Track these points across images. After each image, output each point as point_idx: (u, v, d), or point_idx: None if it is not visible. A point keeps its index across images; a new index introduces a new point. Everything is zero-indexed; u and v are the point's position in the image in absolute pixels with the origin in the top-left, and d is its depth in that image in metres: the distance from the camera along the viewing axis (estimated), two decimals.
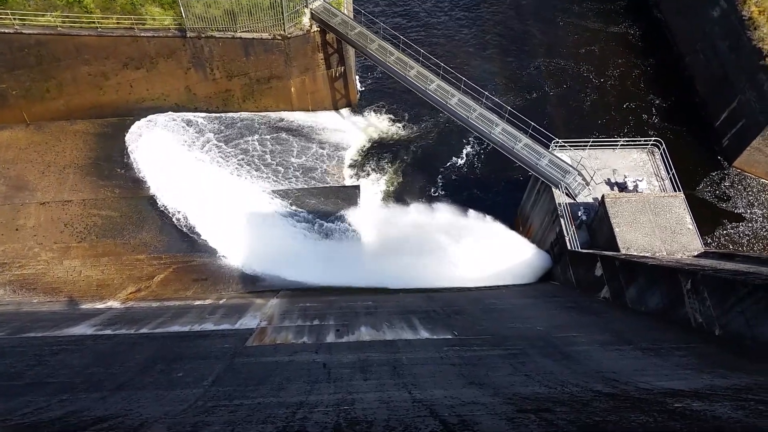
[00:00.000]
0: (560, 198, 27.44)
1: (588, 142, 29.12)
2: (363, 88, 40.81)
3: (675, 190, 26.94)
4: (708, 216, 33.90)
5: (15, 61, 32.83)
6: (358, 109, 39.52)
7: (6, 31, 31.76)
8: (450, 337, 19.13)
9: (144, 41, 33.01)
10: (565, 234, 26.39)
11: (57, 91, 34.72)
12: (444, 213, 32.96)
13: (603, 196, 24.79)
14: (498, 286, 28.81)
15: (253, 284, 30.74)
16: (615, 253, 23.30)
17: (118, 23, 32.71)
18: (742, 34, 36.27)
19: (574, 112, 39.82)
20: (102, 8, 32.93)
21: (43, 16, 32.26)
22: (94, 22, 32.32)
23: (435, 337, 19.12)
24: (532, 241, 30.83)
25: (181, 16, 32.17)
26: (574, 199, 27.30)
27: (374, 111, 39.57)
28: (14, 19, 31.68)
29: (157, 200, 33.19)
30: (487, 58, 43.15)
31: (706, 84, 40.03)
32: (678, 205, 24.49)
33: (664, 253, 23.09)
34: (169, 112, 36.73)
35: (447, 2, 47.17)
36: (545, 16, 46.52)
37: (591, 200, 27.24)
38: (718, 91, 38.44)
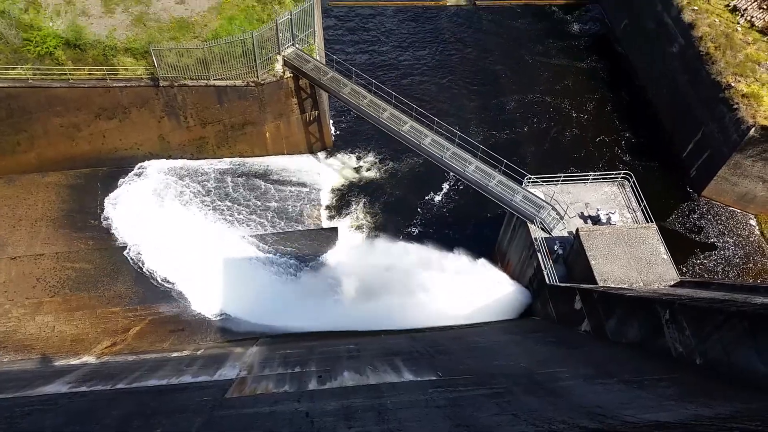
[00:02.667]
0: (536, 233, 27.74)
1: (560, 177, 29.65)
2: (338, 131, 41.20)
3: (647, 222, 27.43)
4: (682, 246, 34.50)
5: None
6: (333, 151, 39.81)
7: None
8: (434, 378, 18.92)
9: (116, 91, 33.04)
10: (543, 268, 26.58)
11: (28, 144, 34.38)
12: (423, 251, 33.02)
13: (577, 230, 25.12)
14: (480, 324, 28.74)
15: (232, 332, 30.20)
16: (593, 285, 23.49)
17: (90, 74, 32.73)
18: (700, 68, 37.68)
19: (544, 147, 40.63)
20: (74, 60, 32.97)
21: (13, 69, 32.17)
22: (65, 74, 32.32)
23: (419, 378, 18.90)
24: (512, 277, 30.98)
25: (154, 66, 32.36)
26: (550, 234, 27.61)
27: (349, 153, 39.90)
28: None
29: (132, 251, 32.72)
30: (458, 98, 44.03)
31: (671, 117, 41.28)
32: (651, 236, 24.89)
33: (641, 284, 23.35)
34: (144, 161, 36.56)
35: (413, 45, 48.28)
36: (510, 54, 47.85)
37: (566, 234, 27.57)
38: (682, 123, 39.65)
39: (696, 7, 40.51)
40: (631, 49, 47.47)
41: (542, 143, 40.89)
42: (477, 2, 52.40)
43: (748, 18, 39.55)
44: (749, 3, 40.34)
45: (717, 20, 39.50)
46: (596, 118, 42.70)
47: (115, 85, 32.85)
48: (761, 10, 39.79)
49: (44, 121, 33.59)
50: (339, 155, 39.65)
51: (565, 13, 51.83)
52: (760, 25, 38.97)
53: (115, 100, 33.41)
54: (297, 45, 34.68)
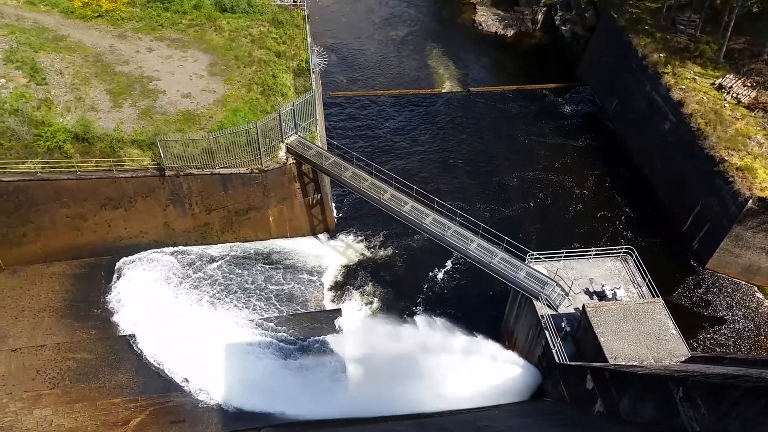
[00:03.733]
0: (542, 310, 27.46)
1: (562, 252, 29.71)
2: (340, 213, 41.72)
3: (653, 296, 27.22)
4: (690, 320, 34.04)
5: None
6: (336, 233, 40.13)
7: None
8: None
9: (123, 182, 33.76)
10: (552, 346, 26.12)
11: (34, 235, 34.74)
12: (428, 331, 32.55)
13: (584, 306, 24.90)
14: (490, 407, 27.89)
15: (234, 421, 29.29)
16: (603, 363, 23.01)
17: (97, 166, 33.55)
18: (693, 143, 38.61)
19: (545, 224, 40.96)
20: (82, 152, 33.90)
21: (23, 163, 33.03)
22: (73, 167, 33.13)
23: None
24: (520, 356, 30.36)
25: (160, 156, 33.25)
26: (556, 310, 27.34)
27: (352, 234, 40.20)
28: None
29: (134, 339, 32.32)
30: (457, 177, 44.87)
31: (668, 191, 41.86)
32: (658, 311, 24.64)
33: (652, 361, 22.88)
34: (148, 250, 36.79)
35: (411, 130, 49.73)
36: (506, 135, 49.19)
37: (573, 310, 27.30)
38: (680, 197, 40.16)
39: (684, 86, 42.03)
40: (623, 128, 48.82)
41: (543, 220, 41.27)
42: (471, 89, 54.45)
43: (734, 95, 40.94)
44: (734, 81, 41.91)
45: (705, 98, 40.88)
46: (596, 194, 43.29)
47: (121, 175, 33.61)
48: (746, 88, 41.27)
49: (51, 212, 34.12)
50: (342, 237, 39.93)
51: (556, 95, 53.71)
52: (746, 101, 40.29)
53: (121, 190, 34.08)
54: (299, 133, 35.78)
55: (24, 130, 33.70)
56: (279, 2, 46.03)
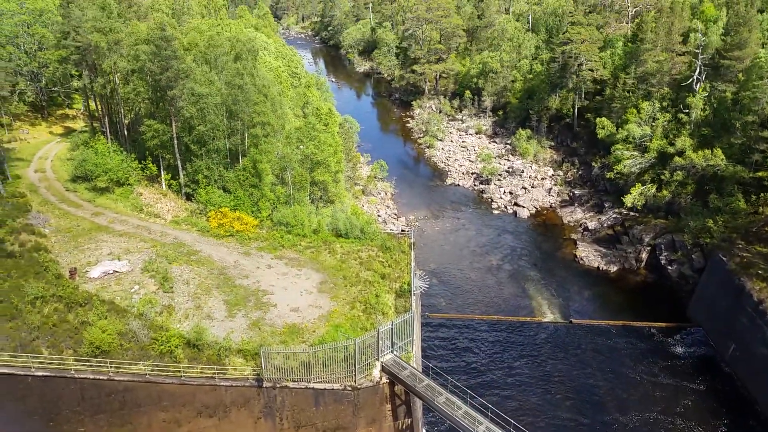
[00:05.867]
0: None
1: None
2: None
3: None
4: None
5: (100, 406, 34.64)
6: None
7: (101, 377, 34.42)
8: None
9: (222, 390, 34.61)
10: None
11: None
12: None
13: None
14: None
15: None
16: None
17: (201, 372, 34.95)
18: None
19: None
20: (190, 358, 35.72)
21: (135, 365, 35.13)
22: (179, 371, 34.71)
23: None
24: None
25: (261, 366, 34.25)
26: None
27: None
28: (110, 367, 34.60)
29: None
30: (562, 413, 41.87)
31: None
32: None
33: None
34: None
35: (509, 357, 48.32)
36: (612, 370, 46.35)
37: None
38: None
39: None
40: (745, 374, 44.76)
41: None
42: (573, 320, 53.36)
43: None
44: None
45: None
46: None
47: (221, 383, 34.60)
48: None
49: (150, 414, 35.07)
50: None
51: (665, 335, 51.12)
52: None
53: (219, 398, 34.78)
54: (395, 352, 35.95)
55: (143, 333, 36.49)
56: (388, 230, 49.87)
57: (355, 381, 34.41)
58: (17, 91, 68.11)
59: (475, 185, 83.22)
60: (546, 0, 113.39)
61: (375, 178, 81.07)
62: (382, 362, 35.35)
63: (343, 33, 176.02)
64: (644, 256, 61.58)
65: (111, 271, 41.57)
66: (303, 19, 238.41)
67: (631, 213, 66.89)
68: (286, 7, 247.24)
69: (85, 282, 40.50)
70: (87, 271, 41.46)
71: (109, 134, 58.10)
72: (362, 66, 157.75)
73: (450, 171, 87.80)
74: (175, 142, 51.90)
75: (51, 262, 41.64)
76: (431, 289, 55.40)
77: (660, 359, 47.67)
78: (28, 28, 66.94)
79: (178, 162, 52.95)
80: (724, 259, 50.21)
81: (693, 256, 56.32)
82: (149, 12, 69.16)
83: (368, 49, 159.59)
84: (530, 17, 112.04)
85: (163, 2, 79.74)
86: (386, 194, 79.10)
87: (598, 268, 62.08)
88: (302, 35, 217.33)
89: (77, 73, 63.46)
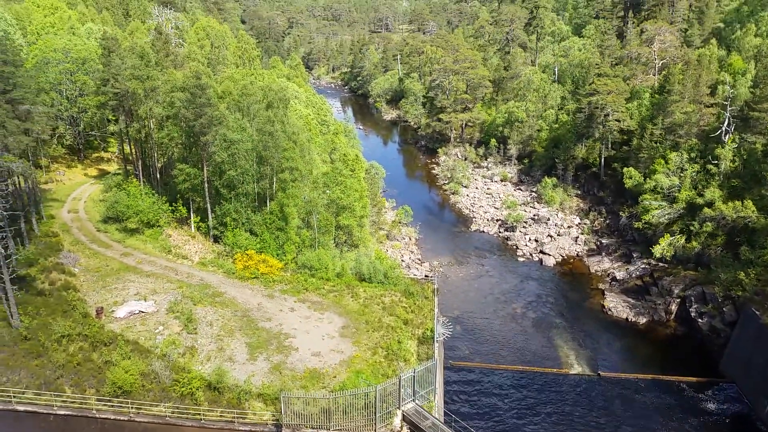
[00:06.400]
0: None
1: None
2: None
3: None
4: None
5: None
6: None
7: (121, 418, 34.45)
8: None
9: None
10: None
11: None
12: None
13: None
14: None
15: None
16: None
17: (221, 416, 34.74)
18: None
19: None
20: (210, 401, 35.58)
21: (156, 406, 35.10)
22: (199, 414, 34.55)
23: None
24: None
25: (281, 411, 33.91)
26: None
27: None
28: (131, 407, 34.62)
29: None
30: None
31: None
32: None
33: None
34: None
35: (533, 411, 46.95)
36: (642, 426, 44.64)
37: None
38: None
39: None
40: None
41: None
42: (601, 373, 51.90)
43: None
44: None
45: None
46: None
47: (241, 428, 34.29)
48: None
49: None
50: None
51: (697, 390, 49.32)
52: None
53: None
54: (417, 401, 35.30)
55: (166, 374, 36.60)
56: (412, 275, 49.74)
57: (375, 430, 33.79)
58: (57, 135, 70.86)
59: (500, 232, 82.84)
60: (572, 52, 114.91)
61: (399, 223, 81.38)
62: (403, 411, 34.72)
63: (372, 83, 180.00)
64: (674, 307, 60.07)
65: (137, 311, 42.10)
66: (333, 70, 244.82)
67: (660, 264, 65.66)
68: (317, 58, 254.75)
69: (111, 321, 41.04)
70: (113, 310, 42.07)
71: (141, 177, 59.77)
72: (389, 114, 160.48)
73: (475, 217, 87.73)
74: (206, 185, 53.12)
75: (79, 300, 42.41)
76: (455, 336, 54.67)
77: (691, 416, 45.87)
78: (71, 75, 70.07)
79: (208, 205, 54.04)
80: (757, 312, 48.72)
81: (724, 309, 54.76)
82: (186, 61, 72.03)
83: (396, 98, 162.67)
84: (556, 69, 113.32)
85: (199, 52, 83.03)
86: (410, 239, 79.18)
87: (626, 319, 60.64)
88: (332, 85, 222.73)
89: (114, 118, 65.97)
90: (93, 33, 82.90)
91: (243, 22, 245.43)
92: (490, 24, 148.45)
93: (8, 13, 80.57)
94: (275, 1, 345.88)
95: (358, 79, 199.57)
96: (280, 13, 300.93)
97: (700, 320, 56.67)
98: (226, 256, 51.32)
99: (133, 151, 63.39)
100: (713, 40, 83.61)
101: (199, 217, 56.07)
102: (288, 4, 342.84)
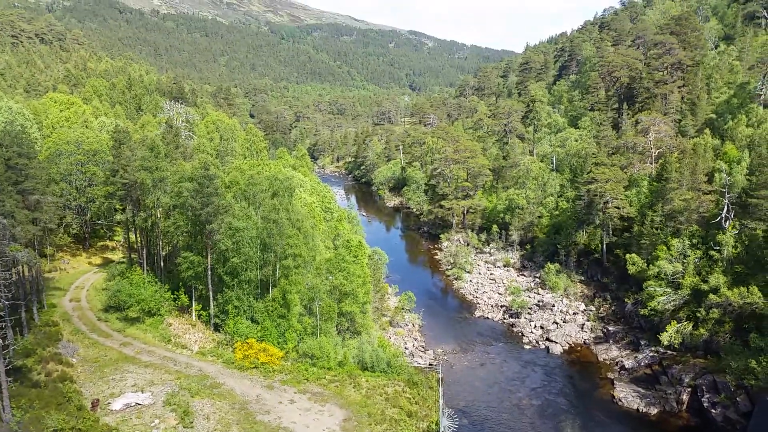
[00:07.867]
0: None
1: None
2: None
3: None
4: None
5: None
6: None
7: None
8: None
9: None
10: None
11: None
12: None
13: None
14: None
15: None
16: None
17: None
18: None
19: None
20: None
21: None
22: None
23: None
24: None
25: None
26: None
27: None
28: None
29: None
30: None
31: None
32: None
33: None
34: None
35: None
36: None
37: None
38: None
39: None
40: None
41: None
42: None
43: None
44: None
45: None
46: None
47: None
48: None
49: None
50: None
51: None
52: None
53: None
54: None
55: None
56: (416, 363, 48.71)
57: None
58: (64, 224, 71.88)
59: (504, 318, 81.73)
60: (569, 142, 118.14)
61: (402, 309, 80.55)
62: None
63: (375, 171, 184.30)
64: (685, 397, 58.13)
65: (133, 404, 41.03)
66: (338, 159, 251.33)
67: (669, 351, 64.22)
68: (322, 149, 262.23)
69: (106, 414, 39.89)
70: (109, 402, 41.01)
71: (145, 265, 60.04)
72: (392, 201, 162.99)
73: (479, 303, 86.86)
74: (209, 273, 53.25)
75: (74, 392, 41.42)
76: (461, 428, 52.71)
77: None
78: (81, 166, 72.07)
79: (210, 292, 53.91)
80: None
81: (738, 398, 52.99)
82: (195, 153, 74.26)
83: (398, 186, 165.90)
84: (554, 158, 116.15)
85: (208, 144, 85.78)
86: (414, 326, 78.06)
87: (637, 409, 58.56)
88: (336, 173, 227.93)
89: (121, 207, 67.09)
90: (105, 126, 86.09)
91: (251, 116, 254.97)
92: (489, 117, 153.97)
93: (26, 109, 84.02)
94: (283, 97, 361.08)
95: (362, 167, 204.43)
96: (287, 108, 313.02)
97: (713, 411, 54.68)
98: (227, 344, 50.60)
99: (139, 239, 64.05)
100: (707, 130, 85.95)
101: (200, 305, 55.77)
102: (295, 100, 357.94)
